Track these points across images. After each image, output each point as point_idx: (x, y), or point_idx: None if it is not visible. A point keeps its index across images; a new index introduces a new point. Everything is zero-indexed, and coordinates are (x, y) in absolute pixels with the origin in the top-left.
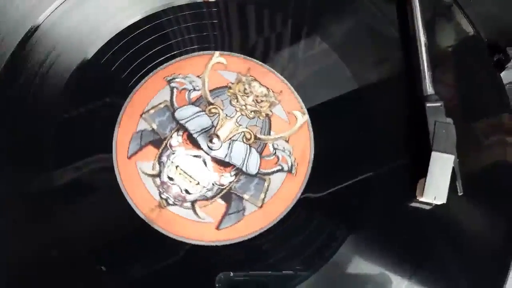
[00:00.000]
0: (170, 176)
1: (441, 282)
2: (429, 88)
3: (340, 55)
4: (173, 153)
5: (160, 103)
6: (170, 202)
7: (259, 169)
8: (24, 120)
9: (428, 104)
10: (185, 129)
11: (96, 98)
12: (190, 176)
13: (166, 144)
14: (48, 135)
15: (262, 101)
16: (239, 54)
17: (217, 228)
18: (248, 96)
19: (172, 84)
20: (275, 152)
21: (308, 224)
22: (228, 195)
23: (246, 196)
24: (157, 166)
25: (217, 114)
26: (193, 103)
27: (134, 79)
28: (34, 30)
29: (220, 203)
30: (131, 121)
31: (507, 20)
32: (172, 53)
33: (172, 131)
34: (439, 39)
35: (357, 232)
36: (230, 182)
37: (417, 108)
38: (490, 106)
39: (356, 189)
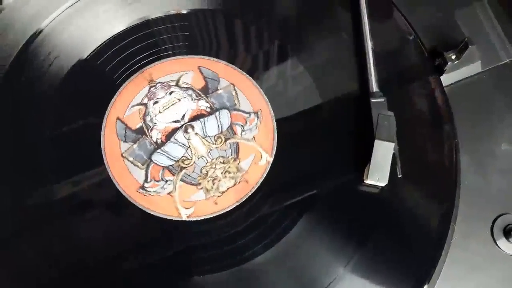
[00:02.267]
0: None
1: (381, 260)
2: (374, 86)
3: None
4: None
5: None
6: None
7: None
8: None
9: (372, 100)
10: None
11: (87, 96)
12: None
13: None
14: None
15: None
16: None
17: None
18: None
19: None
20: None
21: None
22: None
23: None
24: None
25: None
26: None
27: (121, 78)
28: (38, 33)
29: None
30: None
31: (446, 30)
32: (152, 57)
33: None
34: (384, 45)
35: (310, 213)
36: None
37: (365, 104)
38: (426, 101)
39: (312, 176)
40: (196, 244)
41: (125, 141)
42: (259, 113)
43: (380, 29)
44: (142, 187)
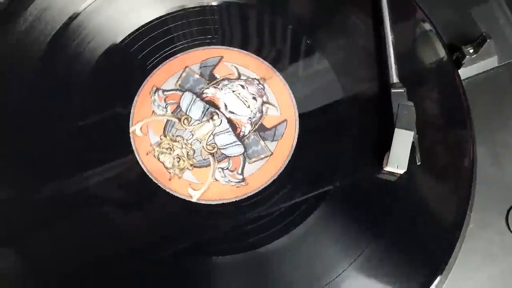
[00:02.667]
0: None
1: (397, 248)
2: (395, 77)
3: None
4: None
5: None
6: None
7: None
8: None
9: (393, 90)
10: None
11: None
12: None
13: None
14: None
15: None
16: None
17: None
18: None
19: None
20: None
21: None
22: None
23: None
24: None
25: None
26: None
27: (152, 64)
28: (75, 16)
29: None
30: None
31: (463, 27)
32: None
33: None
34: (404, 39)
35: (328, 201)
36: None
37: (385, 95)
38: (444, 93)
39: (333, 162)
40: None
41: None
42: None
43: (401, 25)
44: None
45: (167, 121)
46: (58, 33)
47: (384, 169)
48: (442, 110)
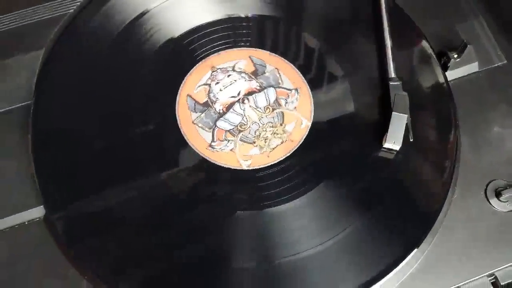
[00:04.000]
0: None
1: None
2: (392, 73)
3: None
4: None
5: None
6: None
7: None
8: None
9: (391, 83)
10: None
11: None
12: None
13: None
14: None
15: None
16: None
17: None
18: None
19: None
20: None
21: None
22: None
23: None
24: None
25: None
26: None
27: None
28: (145, 12)
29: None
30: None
31: (449, 38)
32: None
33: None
34: (401, 46)
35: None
36: None
37: (385, 87)
38: (433, 89)
39: (341, 140)
40: (254, 186)
41: (195, 112)
42: (298, 90)
43: (398, 34)
44: (210, 146)
45: None
46: (129, 23)
47: (383, 146)
48: (432, 102)
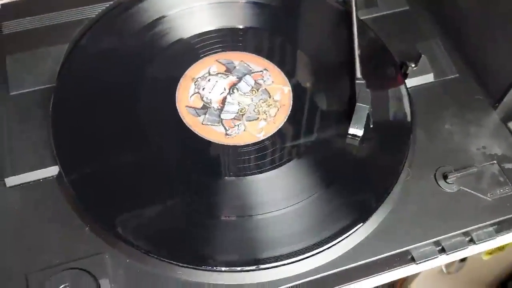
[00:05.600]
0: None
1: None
2: (358, 74)
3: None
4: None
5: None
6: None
7: None
8: None
9: (357, 82)
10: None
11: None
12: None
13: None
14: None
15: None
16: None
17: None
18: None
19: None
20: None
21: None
22: None
23: None
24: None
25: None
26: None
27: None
28: (163, 17)
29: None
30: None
31: (410, 54)
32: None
33: None
34: (369, 57)
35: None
36: None
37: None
38: (395, 90)
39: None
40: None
41: (199, 116)
42: (267, 69)
43: (367, 48)
44: (227, 134)
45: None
46: (149, 24)
47: (348, 132)
48: (393, 101)
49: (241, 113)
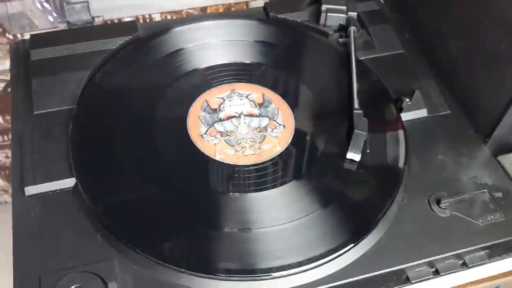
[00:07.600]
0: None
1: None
2: (356, 105)
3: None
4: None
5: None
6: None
7: None
8: None
9: (355, 112)
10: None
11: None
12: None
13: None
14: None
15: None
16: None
17: None
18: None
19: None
20: None
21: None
22: None
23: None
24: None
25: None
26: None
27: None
28: (181, 49)
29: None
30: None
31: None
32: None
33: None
34: (367, 92)
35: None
36: None
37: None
38: (392, 124)
39: (314, 154)
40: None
41: (203, 111)
42: (285, 126)
43: (365, 84)
44: (201, 136)
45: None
46: (168, 54)
47: (347, 157)
48: (388, 132)
49: (228, 134)
